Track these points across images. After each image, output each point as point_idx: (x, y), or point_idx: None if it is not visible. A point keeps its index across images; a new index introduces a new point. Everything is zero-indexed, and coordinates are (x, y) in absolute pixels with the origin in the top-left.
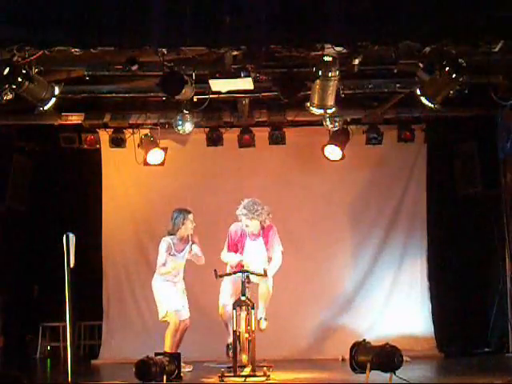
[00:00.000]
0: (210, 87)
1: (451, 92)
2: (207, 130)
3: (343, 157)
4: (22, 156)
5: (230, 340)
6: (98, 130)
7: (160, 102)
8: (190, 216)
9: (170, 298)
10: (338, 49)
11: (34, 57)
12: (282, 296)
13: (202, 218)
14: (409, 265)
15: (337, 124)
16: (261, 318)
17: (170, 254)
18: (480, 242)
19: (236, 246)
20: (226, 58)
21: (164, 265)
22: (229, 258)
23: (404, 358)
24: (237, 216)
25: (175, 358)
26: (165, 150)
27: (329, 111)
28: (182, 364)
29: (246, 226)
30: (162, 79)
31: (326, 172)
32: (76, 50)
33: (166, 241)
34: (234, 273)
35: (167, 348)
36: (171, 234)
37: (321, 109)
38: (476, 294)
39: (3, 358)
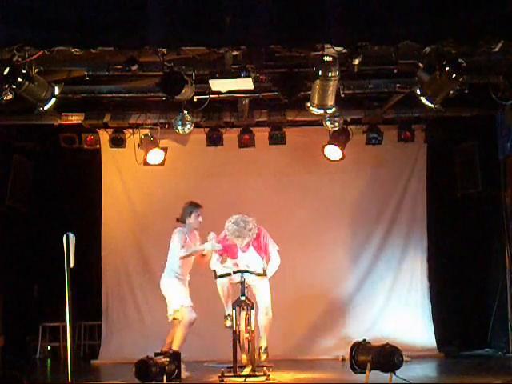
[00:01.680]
0: (210, 87)
1: (451, 92)
2: (207, 129)
3: (343, 157)
4: (21, 156)
5: (228, 311)
6: (98, 130)
7: (160, 101)
8: (198, 210)
9: (183, 294)
10: (338, 49)
11: (34, 57)
12: (282, 296)
13: (201, 217)
14: (409, 265)
15: (337, 124)
16: (261, 348)
17: (183, 246)
18: (480, 242)
19: (228, 248)
20: (226, 58)
21: (181, 258)
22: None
23: (404, 358)
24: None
25: (175, 357)
26: (165, 150)
27: (329, 111)
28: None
29: (234, 242)
30: (162, 79)
31: (326, 172)
32: (76, 50)
33: (181, 231)
34: (234, 273)
35: (176, 346)
36: (183, 222)
37: (321, 109)
38: (476, 294)
39: (3, 357)
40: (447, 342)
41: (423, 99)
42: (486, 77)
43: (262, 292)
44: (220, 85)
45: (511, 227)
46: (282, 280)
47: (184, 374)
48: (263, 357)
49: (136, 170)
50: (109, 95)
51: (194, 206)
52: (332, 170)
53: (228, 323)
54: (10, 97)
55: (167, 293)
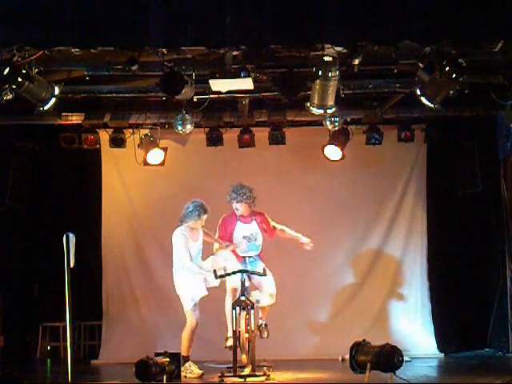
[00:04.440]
0: (210, 87)
1: (451, 92)
2: (207, 129)
3: (343, 157)
4: (22, 156)
5: (230, 333)
6: (98, 130)
7: (160, 101)
8: (204, 217)
9: (189, 293)
10: (338, 49)
11: (34, 57)
12: (282, 295)
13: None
14: (409, 265)
15: (337, 124)
16: (261, 325)
17: (186, 246)
18: (480, 241)
19: (227, 235)
20: (226, 58)
21: (192, 260)
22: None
23: (404, 358)
24: (228, 203)
25: (175, 357)
26: (165, 149)
27: (329, 111)
28: (193, 367)
29: (236, 209)
30: (162, 79)
31: (326, 172)
32: (76, 50)
33: (182, 234)
34: (234, 273)
35: (183, 348)
36: (181, 222)
37: (321, 109)
38: (476, 294)
39: (3, 357)
40: (447, 342)
41: (423, 99)
42: (486, 77)
43: (266, 281)
44: (220, 85)
45: (511, 227)
46: (281, 279)
47: (197, 372)
48: (265, 333)
49: (136, 170)
50: (109, 95)
51: (201, 210)
52: (332, 170)
53: (229, 343)
54: (10, 97)
55: (178, 292)
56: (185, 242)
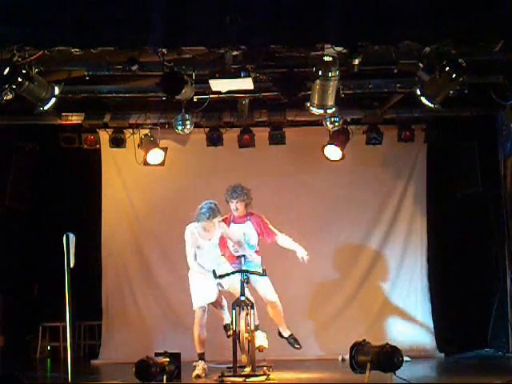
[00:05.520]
0: (210, 87)
1: (451, 92)
2: (207, 129)
3: (343, 157)
4: (22, 156)
5: (227, 321)
6: (98, 130)
7: (160, 101)
8: (216, 219)
9: (198, 294)
10: (338, 49)
11: (34, 57)
12: (282, 296)
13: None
14: (409, 265)
15: (337, 124)
16: (287, 338)
17: (196, 245)
18: (480, 241)
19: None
20: (226, 58)
21: (195, 259)
22: None
23: (404, 358)
24: (226, 202)
25: (175, 357)
26: (165, 150)
27: (329, 111)
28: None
29: (234, 209)
30: (162, 79)
31: (325, 172)
32: (76, 50)
33: (190, 232)
34: (233, 273)
35: (196, 346)
36: (196, 220)
37: (321, 109)
38: (476, 294)
39: (3, 357)
40: (447, 342)
41: (423, 99)
42: (486, 77)
43: (263, 286)
44: (220, 85)
45: (511, 227)
46: (280, 279)
47: (203, 373)
48: (297, 345)
49: (136, 170)
50: (109, 95)
51: (212, 213)
52: (332, 170)
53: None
54: (10, 97)
55: (191, 291)
56: (192, 240)
